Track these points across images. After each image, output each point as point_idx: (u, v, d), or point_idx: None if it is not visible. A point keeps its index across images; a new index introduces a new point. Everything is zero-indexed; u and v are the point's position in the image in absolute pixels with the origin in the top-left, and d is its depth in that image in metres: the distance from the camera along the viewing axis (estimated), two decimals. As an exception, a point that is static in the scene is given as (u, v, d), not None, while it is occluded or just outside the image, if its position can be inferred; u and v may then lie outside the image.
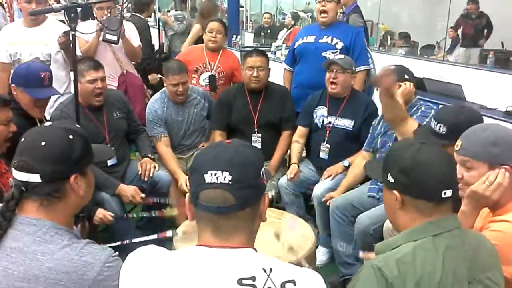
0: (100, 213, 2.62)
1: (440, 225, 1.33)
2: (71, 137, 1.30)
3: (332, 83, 3.07)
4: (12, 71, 3.35)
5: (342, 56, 3.16)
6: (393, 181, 1.38)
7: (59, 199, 1.28)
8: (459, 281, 1.28)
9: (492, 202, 1.58)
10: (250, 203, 1.09)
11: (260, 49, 3.68)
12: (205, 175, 1.06)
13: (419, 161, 1.35)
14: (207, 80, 3.76)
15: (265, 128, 3.30)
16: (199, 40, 4.56)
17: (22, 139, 1.30)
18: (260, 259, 1.07)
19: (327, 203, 2.85)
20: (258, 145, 3.28)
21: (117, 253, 1.27)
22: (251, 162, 1.10)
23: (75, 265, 1.19)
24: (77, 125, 1.48)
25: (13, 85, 2.55)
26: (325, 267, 2.98)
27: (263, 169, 1.13)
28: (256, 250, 1.11)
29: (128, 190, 2.84)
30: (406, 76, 2.64)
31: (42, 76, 2.55)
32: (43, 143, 1.26)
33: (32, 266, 1.18)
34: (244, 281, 1.01)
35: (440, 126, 1.97)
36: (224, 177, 1.05)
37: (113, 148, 2.93)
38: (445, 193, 1.33)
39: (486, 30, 7.13)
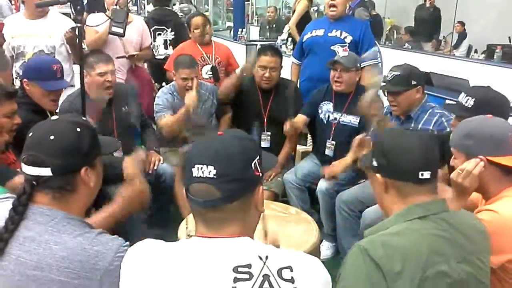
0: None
1: (427, 208, 1.36)
2: (79, 130, 1.31)
3: (336, 81, 3.05)
4: (16, 65, 3.40)
5: (346, 53, 3.12)
6: (376, 164, 1.44)
7: (71, 191, 1.29)
8: (445, 260, 1.30)
9: (466, 190, 1.62)
10: (238, 196, 1.08)
11: (275, 47, 3.62)
12: (192, 169, 1.07)
13: (398, 143, 1.41)
14: (210, 72, 3.76)
15: (275, 126, 3.25)
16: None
17: (30, 134, 1.31)
18: (256, 247, 1.08)
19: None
20: (267, 143, 3.27)
21: (127, 242, 1.27)
22: (238, 155, 1.08)
23: (88, 254, 1.20)
24: (83, 118, 1.48)
25: (25, 79, 2.54)
26: (330, 262, 2.98)
27: (255, 160, 1.10)
28: (253, 238, 1.12)
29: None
30: (413, 82, 2.57)
31: (55, 68, 2.56)
32: (52, 137, 1.26)
33: (45, 255, 1.19)
34: (240, 269, 1.02)
35: (468, 99, 2.00)
36: (209, 171, 1.05)
37: (119, 141, 2.93)
38: (422, 174, 1.36)
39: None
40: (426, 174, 1.36)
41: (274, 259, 1.05)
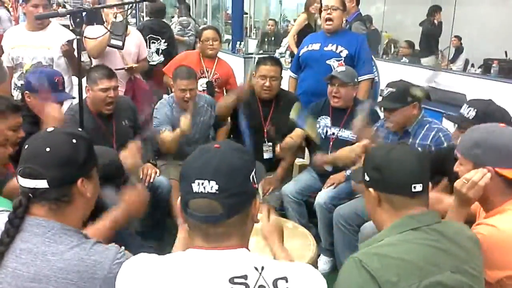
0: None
1: (420, 219, 1.37)
2: (74, 141, 1.30)
3: (334, 96, 3.04)
4: (14, 75, 3.40)
5: (343, 68, 3.12)
6: (368, 179, 1.45)
7: (67, 203, 1.29)
8: (440, 270, 1.30)
9: (470, 201, 1.60)
10: (239, 210, 1.08)
11: (274, 57, 3.64)
12: (192, 184, 1.06)
13: (389, 158, 1.42)
14: (205, 86, 3.77)
15: (276, 137, 3.22)
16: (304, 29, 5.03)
17: (26, 146, 1.30)
18: (252, 258, 1.08)
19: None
20: (269, 154, 3.26)
21: (123, 248, 1.28)
22: (238, 169, 1.09)
23: (86, 264, 1.20)
24: (79, 129, 1.47)
25: (26, 92, 2.55)
26: (327, 277, 2.94)
27: (253, 173, 1.11)
28: (249, 250, 1.12)
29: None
30: (409, 99, 2.56)
31: (56, 80, 2.57)
32: (48, 149, 1.26)
33: (43, 267, 1.19)
34: (236, 280, 1.03)
35: (470, 110, 2.02)
36: (211, 186, 1.05)
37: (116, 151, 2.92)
38: (414, 187, 1.37)
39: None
40: (419, 187, 1.38)
41: (270, 270, 1.06)
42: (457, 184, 1.61)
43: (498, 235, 1.50)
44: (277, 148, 3.03)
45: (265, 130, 3.27)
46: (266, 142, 3.28)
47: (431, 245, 1.33)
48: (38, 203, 1.26)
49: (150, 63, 4.52)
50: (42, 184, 1.25)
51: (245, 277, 1.03)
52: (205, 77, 3.80)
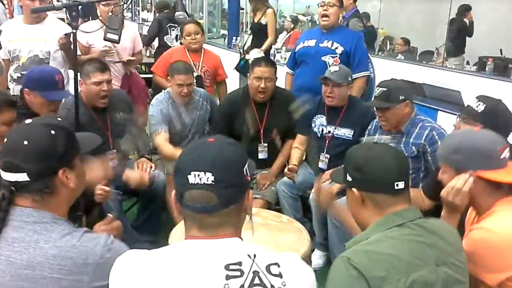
0: (98, 189, 2.52)
1: (403, 215, 1.39)
2: (53, 132, 1.30)
3: (328, 96, 3.05)
4: (11, 68, 3.39)
5: (337, 68, 3.08)
6: (351, 179, 1.47)
7: (50, 194, 1.29)
8: (426, 264, 1.32)
9: (458, 208, 1.62)
10: (234, 201, 1.12)
11: (269, 57, 3.64)
12: (188, 176, 1.09)
13: (370, 156, 1.44)
14: (194, 81, 3.76)
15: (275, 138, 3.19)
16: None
17: (5, 140, 1.31)
18: (244, 247, 1.12)
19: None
20: (265, 154, 3.26)
21: (112, 236, 1.30)
22: (233, 161, 1.13)
23: (78, 250, 1.22)
24: (58, 119, 1.48)
25: (26, 89, 2.54)
26: (322, 271, 2.98)
27: (246, 165, 1.15)
28: (242, 239, 1.15)
29: (134, 177, 2.83)
30: (401, 97, 2.55)
31: (57, 79, 2.57)
32: (25, 142, 1.26)
33: (36, 254, 1.20)
34: (231, 266, 1.06)
35: (479, 104, 2.04)
36: (207, 177, 1.08)
37: (115, 150, 2.93)
38: (397, 185, 1.40)
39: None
40: (401, 184, 1.40)
41: (262, 256, 1.10)
42: (443, 193, 1.63)
43: (491, 238, 1.50)
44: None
45: (261, 131, 3.26)
46: (262, 143, 3.27)
47: (416, 240, 1.35)
48: (22, 195, 1.27)
49: (171, 46, 5.23)
50: (23, 177, 1.25)
51: (239, 263, 1.06)
52: (194, 71, 3.79)
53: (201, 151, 1.13)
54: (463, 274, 1.40)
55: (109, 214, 1.70)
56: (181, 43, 4.27)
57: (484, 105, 2.02)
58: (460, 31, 7.08)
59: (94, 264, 1.22)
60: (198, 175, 1.08)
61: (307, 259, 2.20)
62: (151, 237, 2.98)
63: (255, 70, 3.20)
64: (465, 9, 7.09)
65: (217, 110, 3.45)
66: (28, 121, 1.37)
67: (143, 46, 6.02)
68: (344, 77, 3.01)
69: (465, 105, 2.13)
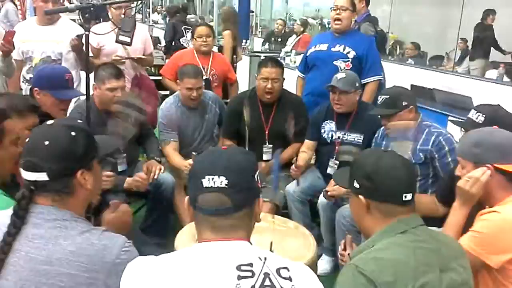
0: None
1: (406, 222, 1.42)
2: (73, 134, 1.33)
3: (336, 104, 3.04)
4: (23, 69, 3.42)
5: (343, 75, 3.04)
6: (358, 186, 1.47)
7: (68, 194, 1.33)
8: (432, 270, 1.34)
9: (473, 197, 1.69)
10: (245, 204, 1.16)
11: (275, 58, 3.62)
12: (203, 180, 1.13)
13: (381, 166, 1.44)
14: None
15: (277, 140, 3.22)
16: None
17: (27, 140, 1.34)
18: (255, 250, 1.15)
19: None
20: (269, 156, 3.26)
21: (131, 241, 1.32)
22: (245, 167, 1.17)
23: (96, 248, 1.25)
24: (79, 121, 1.51)
25: (36, 88, 2.55)
26: (329, 276, 2.97)
27: (257, 172, 1.20)
28: (251, 243, 1.17)
29: (132, 182, 2.83)
30: (404, 103, 2.54)
31: (67, 78, 2.58)
32: (46, 142, 1.30)
33: (55, 251, 1.23)
34: (242, 267, 1.08)
35: (479, 115, 2.05)
36: (221, 181, 1.12)
37: (124, 154, 2.94)
38: (405, 197, 1.41)
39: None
40: (409, 196, 1.42)
41: (272, 260, 1.13)
42: (460, 183, 1.70)
43: (502, 220, 1.59)
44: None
45: (266, 132, 3.26)
46: (267, 144, 3.28)
47: (421, 246, 1.37)
48: (41, 194, 1.31)
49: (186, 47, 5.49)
50: (43, 176, 1.28)
51: (251, 265, 1.09)
52: (203, 75, 3.82)
53: (215, 157, 1.18)
54: (467, 278, 1.42)
55: (113, 201, 1.72)
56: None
57: (484, 115, 2.03)
58: (484, 36, 7.10)
59: (110, 263, 1.25)
60: (212, 178, 1.12)
61: (313, 265, 2.20)
62: (159, 240, 2.99)
63: (262, 70, 3.20)
64: (487, 14, 7.07)
65: (226, 108, 3.46)
66: (49, 122, 1.40)
67: (164, 55, 6.12)
68: (351, 84, 2.99)
69: (465, 119, 2.14)
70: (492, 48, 7.12)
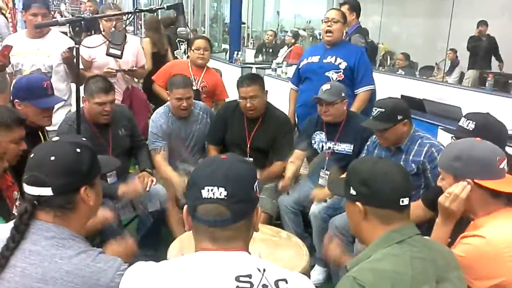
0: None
1: (402, 232, 1.41)
2: (78, 150, 1.35)
3: (323, 114, 3.06)
4: (13, 82, 3.40)
5: (328, 86, 3.06)
6: (355, 193, 1.47)
7: (71, 210, 1.34)
8: (428, 280, 1.34)
9: (454, 214, 1.66)
10: (244, 215, 1.16)
11: (251, 75, 3.56)
12: (202, 190, 1.13)
13: (377, 171, 1.44)
14: None
15: (257, 153, 3.24)
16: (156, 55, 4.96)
17: (32, 155, 1.35)
18: (254, 260, 1.15)
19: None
20: None
21: (126, 264, 1.32)
22: (245, 177, 1.17)
23: (91, 270, 1.25)
24: (83, 138, 1.51)
25: (16, 100, 2.53)
26: (322, 286, 2.96)
27: (256, 182, 1.19)
28: (250, 253, 1.18)
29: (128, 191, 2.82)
30: (399, 117, 2.55)
31: (45, 85, 2.56)
32: (52, 158, 1.31)
33: (51, 269, 1.24)
34: (241, 278, 1.08)
35: (469, 122, 2.05)
36: (220, 192, 1.12)
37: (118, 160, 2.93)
38: (402, 201, 1.41)
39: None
40: (406, 201, 1.43)
41: (271, 271, 1.12)
42: (441, 199, 1.68)
43: (485, 246, 1.53)
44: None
45: (248, 145, 3.26)
46: (248, 157, 3.25)
47: (417, 256, 1.37)
48: (44, 209, 1.31)
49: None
50: (47, 191, 1.30)
51: (249, 276, 1.09)
52: (193, 85, 3.82)
53: (215, 167, 1.17)
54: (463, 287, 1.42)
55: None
56: (188, 57, 4.28)
57: (474, 122, 2.04)
58: (475, 46, 7.21)
59: (104, 286, 1.25)
60: (212, 189, 1.12)
61: (306, 275, 2.18)
62: (151, 252, 2.96)
63: (239, 90, 3.21)
64: (480, 25, 7.16)
65: (214, 115, 3.47)
66: (55, 138, 1.43)
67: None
68: (336, 94, 3.01)
69: (456, 127, 2.15)
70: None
